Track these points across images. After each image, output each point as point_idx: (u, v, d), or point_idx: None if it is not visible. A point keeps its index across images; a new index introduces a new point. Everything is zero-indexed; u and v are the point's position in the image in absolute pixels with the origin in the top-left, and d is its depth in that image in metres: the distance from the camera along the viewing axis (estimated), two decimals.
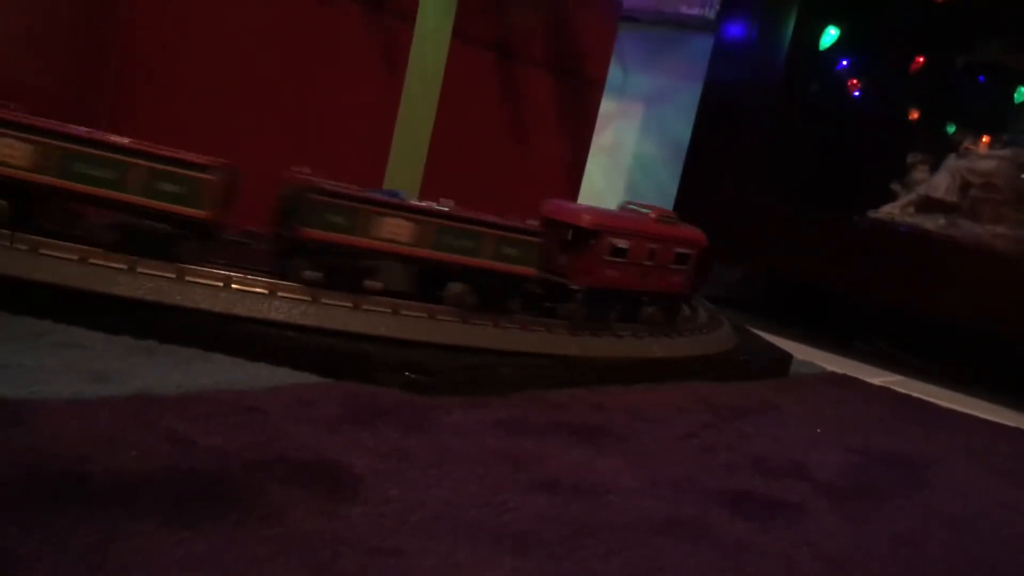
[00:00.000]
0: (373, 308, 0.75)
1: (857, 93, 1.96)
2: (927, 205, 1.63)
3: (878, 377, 1.37)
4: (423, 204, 0.78)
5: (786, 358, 1.17)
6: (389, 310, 0.76)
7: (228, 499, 0.46)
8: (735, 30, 1.86)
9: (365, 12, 1.13)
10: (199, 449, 0.51)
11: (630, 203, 0.98)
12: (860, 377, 1.28)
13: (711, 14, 1.94)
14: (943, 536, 0.65)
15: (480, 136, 1.29)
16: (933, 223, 1.60)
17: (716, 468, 0.69)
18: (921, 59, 1.89)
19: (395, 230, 0.76)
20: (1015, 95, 1.83)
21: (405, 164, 1.16)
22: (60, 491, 0.42)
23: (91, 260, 0.68)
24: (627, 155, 2.03)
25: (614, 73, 1.57)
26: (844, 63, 1.90)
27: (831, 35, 1.83)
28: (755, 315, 1.67)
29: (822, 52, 1.83)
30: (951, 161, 1.65)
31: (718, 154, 1.84)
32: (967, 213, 1.61)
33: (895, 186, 1.71)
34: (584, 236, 0.86)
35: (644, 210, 0.96)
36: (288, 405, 0.61)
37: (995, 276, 1.43)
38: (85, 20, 0.99)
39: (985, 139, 1.69)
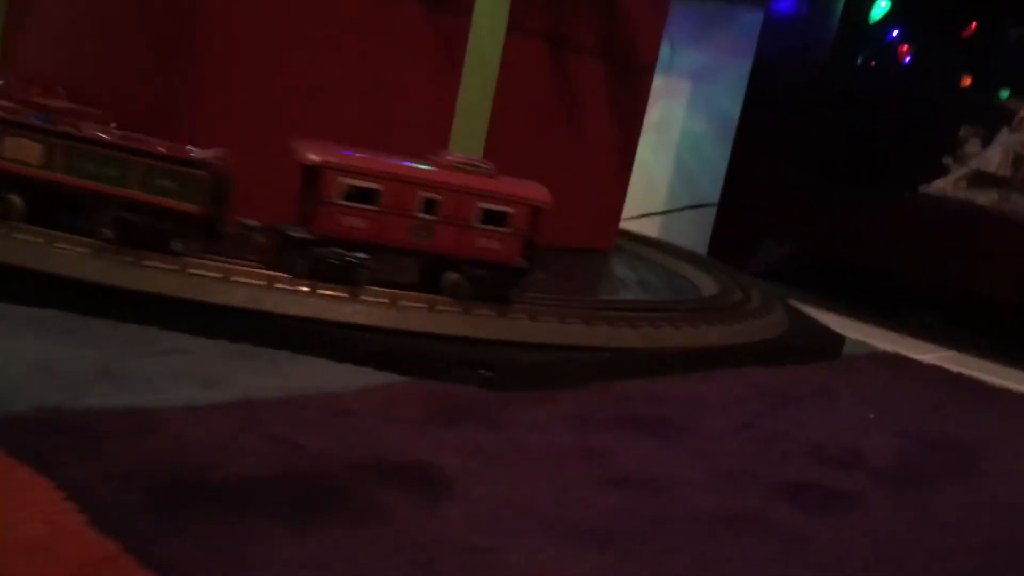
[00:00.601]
0: (446, 309, 0.80)
1: (908, 59, 1.95)
2: (979, 179, 1.64)
3: (929, 353, 1.39)
4: (62, 126, 0.71)
5: (838, 340, 1.20)
6: (460, 310, 0.81)
7: (340, 501, 0.51)
8: (785, 4, 1.86)
9: (425, 11, 1.17)
10: (307, 453, 0.56)
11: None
12: (911, 353, 1.30)
13: None
14: (991, 523, 0.69)
15: (534, 126, 1.32)
16: (985, 198, 1.60)
17: (773, 459, 0.73)
18: (974, 25, 1.88)
19: (21, 151, 0.70)
20: None
21: (464, 150, 1.22)
22: (198, 496, 0.48)
23: (189, 270, 0.74)
24: (675, 132, 2.05)
25: (662, 49, 1.58)
26: (895, 34, 1.89)
27: (882, 7, 1.82)
28: (806, 290, 1.70)
29: (873, 24, 1.82)
30: (1004, 135, 1.65)
31: (768, 131, 1.85)
32: (1020, 187, 1.61)
33: (947, 160, 1.72)
34: (314, 176, 0.75)
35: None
36: (377, 407, 0.67)
37: None
38: (163, 22, 1.04)
39: None
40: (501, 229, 0.80)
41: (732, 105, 1.95)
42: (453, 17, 1.16)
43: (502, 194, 0.80)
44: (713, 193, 1.94)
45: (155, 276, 0.73)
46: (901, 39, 1.90)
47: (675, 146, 2.05)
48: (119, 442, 0.53)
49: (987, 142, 1.68)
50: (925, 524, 0.66)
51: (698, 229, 1.93)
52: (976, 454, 0.86)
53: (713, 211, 1.92)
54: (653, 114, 1.98)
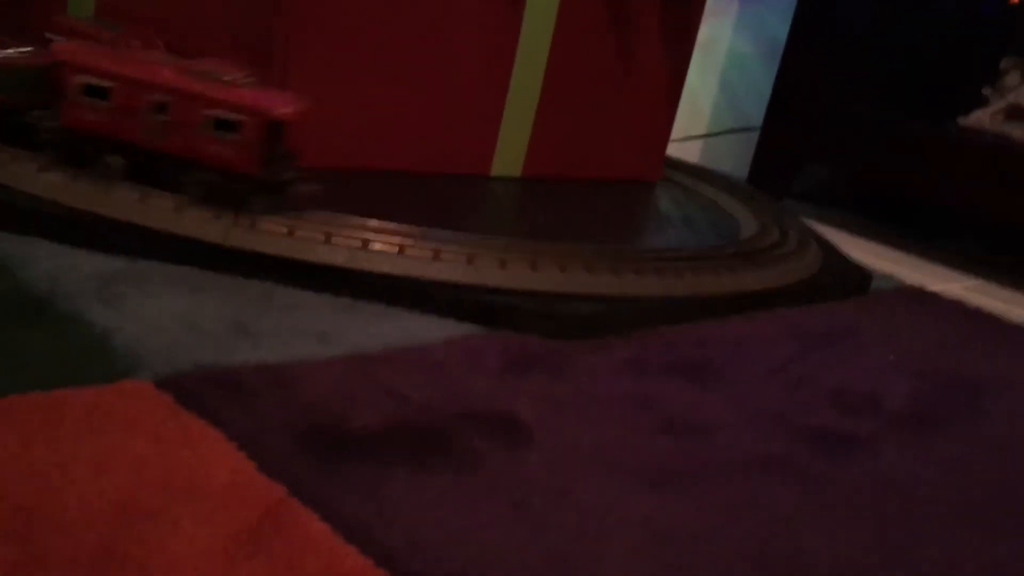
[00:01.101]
0: (516, 264, 0.91)
1: None
2: (1016, 113, 1.68)
3: (956, 282, 1.48)
4: None
5: (867, 277, 1.29)
6: (528, 266, 0.92)
7: (446, 448, 0.63)
8: None
9: None
10: (412, 403, 0.69)
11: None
12: (939, 282, 1.40)
13: None
14: (995, 463, 0.80)
15: (588, 60, 1.40)
16: (1021, 132, 1.65)
17: (800, 403, 0.85)
18: None
19: None
20: None
21: (524, 90, 1.32)
22: (338, 444, 0.61)
23: (297, 233, 0.85)
24: (721, 53, 2.08)
25: None
26: None
27: None
28: (843, 212, 1.78)
29: None
30: None
31: (815, 54, 1.89)
32: None
33: (987, 91, 1.75)
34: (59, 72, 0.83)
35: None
36: (462, 358, 0.79)
37: None
38: None
39: None
40: (233, 137, 0.83)
41: (780, 26, 1.98)
42: None
43: (231, 103, 0.82)
44: (757, 116, 1.99)
45: (271, 239, 0.84)
46: None
47: (721, 68, 2.09)
48: (266, 395, 0.65)
49: None
50: (932, 464, 0.77)
51: (740, 152, 1.99)
52: (987, 394, 0.97)
53: (756, 135, 1.98)
54: (700, 34, 2.02)
